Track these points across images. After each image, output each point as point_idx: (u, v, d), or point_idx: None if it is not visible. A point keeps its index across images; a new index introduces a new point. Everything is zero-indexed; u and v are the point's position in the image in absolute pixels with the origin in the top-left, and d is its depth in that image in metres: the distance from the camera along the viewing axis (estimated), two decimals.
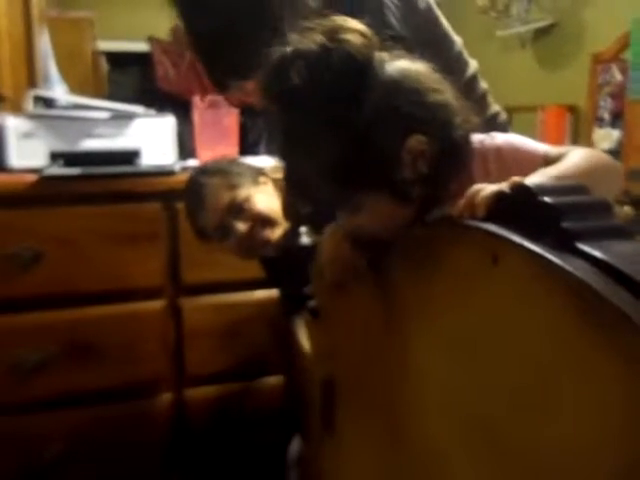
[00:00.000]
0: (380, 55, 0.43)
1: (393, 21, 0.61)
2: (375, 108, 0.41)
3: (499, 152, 0.45)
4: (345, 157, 0.41)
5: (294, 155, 0.44)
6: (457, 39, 0.73)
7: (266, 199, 0.79)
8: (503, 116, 0.77)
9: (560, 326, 0.27)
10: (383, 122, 0.41)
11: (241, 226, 0.77)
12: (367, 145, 0.41)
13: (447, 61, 0.58)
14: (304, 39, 0.41)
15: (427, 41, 0.60)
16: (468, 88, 0.70)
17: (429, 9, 0.68)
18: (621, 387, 0.24)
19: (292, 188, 0.48)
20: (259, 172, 0.85)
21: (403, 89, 0.42)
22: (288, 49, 0.41)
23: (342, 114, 0.41)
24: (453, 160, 0.44)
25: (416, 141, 0.41)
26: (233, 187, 0.78)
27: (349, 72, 0.40)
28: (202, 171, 0.83)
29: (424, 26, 0.66)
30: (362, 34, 0.41)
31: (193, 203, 0.81)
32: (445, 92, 0.43)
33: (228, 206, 0.77)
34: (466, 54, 0.74)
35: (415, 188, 0.43)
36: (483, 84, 0.76)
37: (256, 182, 0.81)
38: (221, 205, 0.77)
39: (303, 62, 0.40)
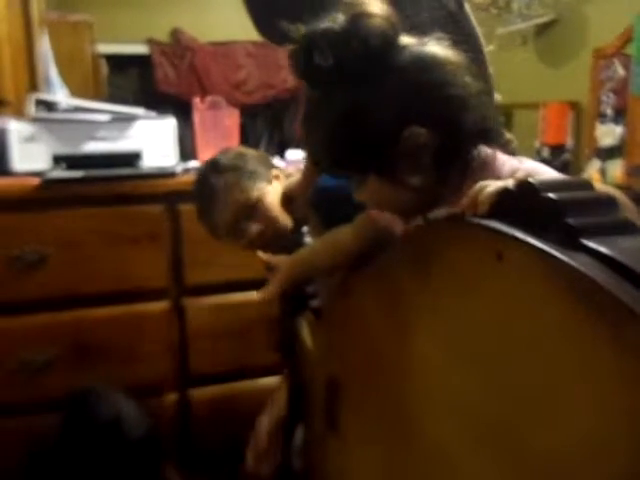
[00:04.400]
0: (404, 40, 0.43)
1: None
2: (383, 92, 0.42)
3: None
4: (345, 134, 0.43)
5: (308, 125, 0.47)
6: (490, 71, 0.72)
7: (278, 196, 0.78)
8: (515, 143, 0.78)
9: (565, 322, 0.27)
10: (386, 107, 0.42)
11: (254, 227, 0.76)
12: (367, 127, 0.43)
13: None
14: (329, 19, 0.43)
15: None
16: None
17: (473, 34, 0.68)
18: (627, 382, 0.24)
19: (308, 155, 0.50)
20: (271, 165, 0.82)
21: (416, 78, 0.42)
22: (312, 28, 0.43)
23: (352, 93, 0.42)
24: (457, 156, 0.44)
25: (413, 132, 0.42)
26: (245, 189, 0.76)
27: (366, 54, 0.41)
28: (212, 167, 0.79)
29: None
30: (385, 17, 0.42)
31: (204, 204, 0.78)
32: (465, 87, 0.43)
33: (241, 208, 0.75)
34: (493, 82, 0.73)
35: (414, 177, 0.43)
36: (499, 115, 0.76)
37: (268, 179, 0.79)
38: (233, 207, 0.75)
39: (325, 41, 0.42)
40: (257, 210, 0.76)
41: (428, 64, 0.43)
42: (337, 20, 0.42)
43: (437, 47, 0.44)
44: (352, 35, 0.41)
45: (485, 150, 0.45)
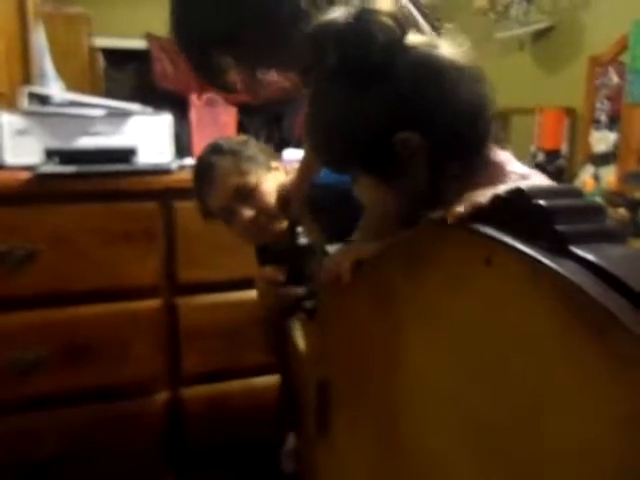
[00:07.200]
0: (413, 39, 0.42)
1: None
2: (380, 93, 0.41)
3: None
4: (339, 132, 0.43)
5: (308, 119, 0.47)
6: None
7: (275, 187, 0.77)
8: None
9: (553, 327, 0.27)
10: (380, 110, 0.41)
11: (247, 212, 0.75)
12: (359, 127, 0.42)
13: None
14: (337, 13, 0.42)
15: None
16: None
17: None
18: (613, 387, 0.24)
19: (308, 147, 0.50)
20: (271, 156, 0.82)
21: (416, 83, 0.42)
22: (320, 22, 0.42)
23: (349, 92, 0.42)
24: (455, 162, 0.43)
25: (405, 137, 0.41)
26: (243, 172, 0.75)
27: (368, 53, 0.41)
28: (214, 149, 0.79)
29: None
30: (393, 16, 0.41)
31: (201, 181, 0.78)
32: (467, 93, 0.42)
33: (236, 191, 0.75)
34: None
35: (405, 181, 0.43)
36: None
37: (267, 168, 0.79)
38: (229, 189, 0.75)
39: (329, 37, 0.41)
40: (253, 195, 0.76)
41: (432, 70, 0.42)
42: (343, 15, 0.41)
43: (447, 48, 0.43)
44: (356, 32, 0.40)
45: (495, 156, 0.45)
